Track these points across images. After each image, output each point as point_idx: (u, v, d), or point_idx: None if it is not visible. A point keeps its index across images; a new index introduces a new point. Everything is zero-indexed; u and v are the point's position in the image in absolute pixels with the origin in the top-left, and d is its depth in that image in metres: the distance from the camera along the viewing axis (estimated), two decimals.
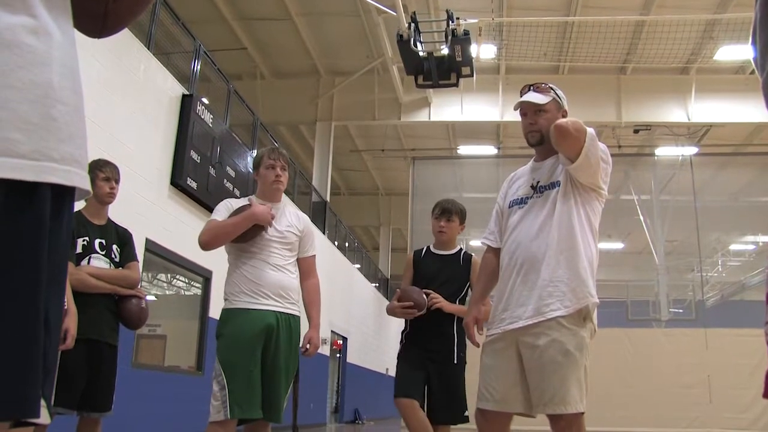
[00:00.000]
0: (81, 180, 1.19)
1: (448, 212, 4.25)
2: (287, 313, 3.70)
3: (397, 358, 4.24)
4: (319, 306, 3.93)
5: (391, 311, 4.15)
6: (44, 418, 1.14)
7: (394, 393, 4.05)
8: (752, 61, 1.41)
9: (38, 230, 1.12)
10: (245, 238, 3.64)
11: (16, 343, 1.07)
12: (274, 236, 3.74)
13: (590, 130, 2.87)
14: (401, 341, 4.26)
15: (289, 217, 3.88)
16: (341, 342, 20.06)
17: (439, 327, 4.10)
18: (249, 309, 3.58)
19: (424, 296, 4.04)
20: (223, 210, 3.75)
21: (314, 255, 3.98)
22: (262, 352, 3.57)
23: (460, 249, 4.34)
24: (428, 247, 4.39)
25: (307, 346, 3.79)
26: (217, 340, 3.63)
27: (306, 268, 3.93)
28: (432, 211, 4.30)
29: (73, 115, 1.19)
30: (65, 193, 1.18)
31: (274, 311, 3.63)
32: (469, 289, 4.15)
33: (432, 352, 4.09)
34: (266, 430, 3.65)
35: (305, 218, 4.02)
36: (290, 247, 3.80)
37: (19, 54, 1.11)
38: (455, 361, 4.08)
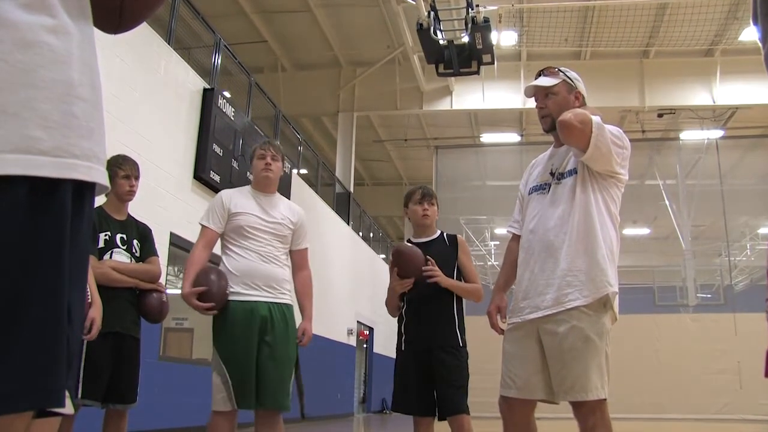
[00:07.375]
0: (101, 176, 1.21)
1: (430, 195, 4.08)
2: (280, 303, 3.77)
3: (396, 362, 4.06)
4: (312, 298, 4.00)
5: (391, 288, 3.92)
6: (68, 408, 1.17)
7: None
8: (758, 40, 1.39)
9: (60, 226, 1.13)
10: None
11: (40, 336, 1.10)
12: (266, 227, 3.80)
13: (596, 119, 2.81)
14: (399, 332, 4.07)
15: (283, 210, 3.93)
16: (368, 332, 20.11)
17: (438, 309, 3.91)
18: (241, 301, 3.65)
19: (421, 257, 3.79)
20: (212, 215, 3.82)
21: (307, 248, 4.03)
22: (259, 343, 3.64)
23: (441, 232, 4.13)
24: (408, 240, 4.17)
25: (302, 337, 3.86)
26: (213, 332, 3.70)
27: (299, 260, 4.01)
28: (409, 198, 4.09)
29: (93, 112, 1.21)
30: (86, 189, 1.20)
31: (266, 302, 3.70)
32: (460, 273, 3.97)
33: (434, 339, 3.87)
34: (277, 418, 3.68)
35: (299, 211, 4.04)
36: (282, 239, 3.86)
37: (40, 53, 1.13)
38: (461, 344, 3.87)
